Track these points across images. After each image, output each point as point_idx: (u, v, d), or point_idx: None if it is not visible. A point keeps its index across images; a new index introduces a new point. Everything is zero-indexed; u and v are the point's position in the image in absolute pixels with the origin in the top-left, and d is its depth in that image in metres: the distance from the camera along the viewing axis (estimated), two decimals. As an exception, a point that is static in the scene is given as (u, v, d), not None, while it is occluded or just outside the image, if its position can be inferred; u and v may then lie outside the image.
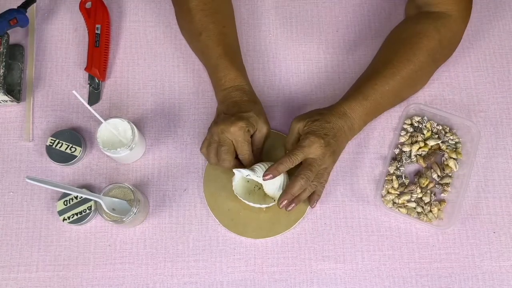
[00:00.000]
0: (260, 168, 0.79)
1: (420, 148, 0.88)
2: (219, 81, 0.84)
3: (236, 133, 0.78)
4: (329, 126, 0.79)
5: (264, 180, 0.77)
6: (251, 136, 0.81)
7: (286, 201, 0.78)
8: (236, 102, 0.82)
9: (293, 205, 0.79)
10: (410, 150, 0.88)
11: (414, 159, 0.88)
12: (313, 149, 0.77)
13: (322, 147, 0.77)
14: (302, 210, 0.85)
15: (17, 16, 0.88)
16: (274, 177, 0.77)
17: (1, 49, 0.88)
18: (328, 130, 0.79)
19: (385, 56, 0.86)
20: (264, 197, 0.83)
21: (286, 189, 0.78)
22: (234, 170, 0.79)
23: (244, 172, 0.79)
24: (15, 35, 0.95)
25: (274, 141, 0.88)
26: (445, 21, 0.84)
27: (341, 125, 0.80)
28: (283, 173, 0.79)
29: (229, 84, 0.83)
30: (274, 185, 0.80)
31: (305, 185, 0.77)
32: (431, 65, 0.87)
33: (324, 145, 0.77)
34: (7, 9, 0.89)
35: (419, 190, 0.86)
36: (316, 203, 0.82)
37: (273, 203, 0.81)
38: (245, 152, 0.80)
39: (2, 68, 0.87)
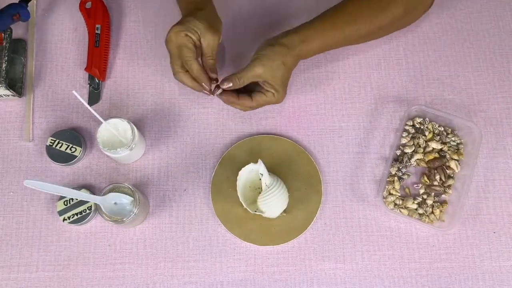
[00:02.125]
0: (272, 177, 0.80)
1: (422, 155, 0.88)
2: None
3: (172, 40, 0.77)
4: (286, 71, 0.81)
5: (222, 87, 0.80)
6: (201, 47, 0.80)
7: (226, 83, 0.79)
8: (183, 10, 0.82)
9: (221, 90, 0.81)
10: (412, 154, 0.88)
11: (414, 163, 0.88)
12: (274, 100, 0.81)
13: (282, 98, 0.82)
14: (310, 217, 0.85)
15: (20, 11, 0.88)
16: (223, 98, 0.81)
17: (4, 43, 0.88)
18: (287, 74, 0.82)
19: (351, 9, 0.84)
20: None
21: (238, 99, 0.81)
22: (252, 164, 0.80)
23: (261, 168, 0.79)
24: (17, 29, 0.95)
25: (272, 145, 0.87)
26: None
27: (295, 63, 0.83)
28: (284, 195, 0.80)
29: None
30: (270, 207, 0.80)
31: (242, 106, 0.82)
32: (388, 30, 0.89)
33: (282, 95, 0.82)
34: (8, 3, 0.88)
35: (422, 191, 0.86)
36: (225, 86, 0.80)
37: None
38: (186, 59, 0.78)
39: (5, 63, 0.87)
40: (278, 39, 0.81)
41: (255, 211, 0.80)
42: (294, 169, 0.87)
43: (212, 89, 0.82)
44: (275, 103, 0.84)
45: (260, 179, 0.80)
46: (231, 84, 0.79)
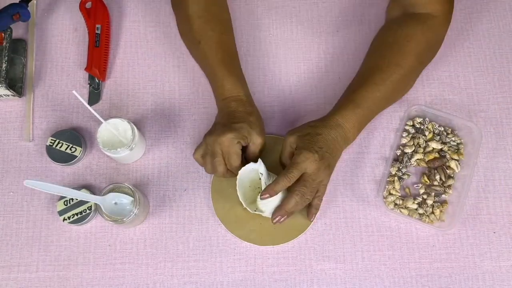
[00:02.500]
0: (271, 177, 0.79)
1: (422, 155, 0.88)
2: (218, 90, 0.84)
3: (225, 144, 0.78)
4: (321, 139, 0.78)
5: (261, 199, 0.76)
6: (246, 147, 0.81)
7: (279, 217, 0.77)
8: (231, 113, 0.81)
9: (285, 217, 0.78)
10: (412, 154, 0.88)
11: (414, 163, 0.88)
12: (308, 164, 0.76)
13: (316, 162, 0.76)
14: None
15: (20, 11, 0.88)
16: (271, 196, 0.76)
17: (4, 43, 0.88)
18: (322, 143, 0.77)
19: (374, 62, 0.85)
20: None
21: (281, 205, 0.77)
22: (252, 164, 0.79)
23: (261, 168, 0.78)
24: (18, 29, 0.95)
25: (273, 145, 0.87)
26: (431, 23, 0.84)
27: (334, 136, 0.79)
28: (283, 195, 0.79)
29: (227, 94, 0.83)
30: (270, 207, 0.79)
31: (300, 201, 0.76)
32: (419, 68, 0.87)
33: (318, 159, 0.76)
34: (9, 3, 0.88)
35: (422, 191, 0.86)
36: (314, 217, 0.81)
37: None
38: (233, 164, 0.79)
39: (5, 63, 0.87)
40: (329, 124, 0.80)
41: (255, 211, 0.80)
42: None
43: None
44: (307, 166, 0.76)
45: (260, 179, 0.80)
46: (268, 196, 0.76)
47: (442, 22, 0.86)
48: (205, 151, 0.81)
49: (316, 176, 0.77)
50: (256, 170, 0.81)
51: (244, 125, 0.79)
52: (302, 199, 0.77)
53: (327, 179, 0.80)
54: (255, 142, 0.80)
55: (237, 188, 0.81)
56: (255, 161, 0.80)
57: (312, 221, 0.82)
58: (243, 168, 0.81)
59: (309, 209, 0.81)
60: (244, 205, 0.80)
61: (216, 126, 0.82)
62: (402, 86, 0.86)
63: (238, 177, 0.81)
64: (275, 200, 0.79)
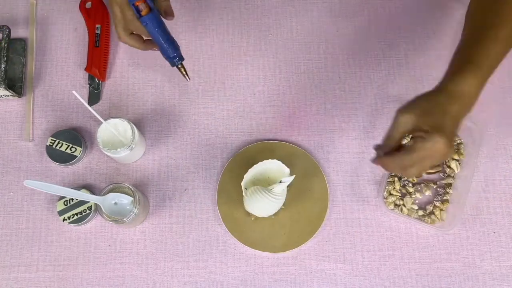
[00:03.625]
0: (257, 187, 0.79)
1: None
2: None
3: (112, 1, 0.74)
4: (450, 119, 0.66)
5: (373, 162, 0.69)
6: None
7: (377, 161, 0.69)
8: None
9: (379, 164, 0.69)
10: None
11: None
12: (436, 151, 0.64)
13: (446, 148, 0.64)
14: (317, 224, 0.85)
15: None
16: (379, 164, 0.69)
17: (2, 43, 0.88)
18: (451, 123, 0.66)
19: (482, 19, 0.74)
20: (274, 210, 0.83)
21: (386, 159, 0.68)
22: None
23: (288, 179, 0.77)
24: (17, 29, 0.95)
25: (274, 150, 0.87)
26: None
27: (461, 109, 0.67)
28: (267, 197, 0.78)
29: None
30: (255, 204, 0.80)
31: (400, 170, 0.67)
32: None
33: (449, 144, 0.64)
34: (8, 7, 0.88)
35: (423, 187, 0.87)
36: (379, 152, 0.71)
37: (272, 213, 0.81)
38: (131, 18, 0.75)
39: (4, 63, 0.87)
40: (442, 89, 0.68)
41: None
42: (308, 188, 0.87)
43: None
44: (433, 151, 0.65)
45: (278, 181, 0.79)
46: (381, 151, 0.69)
47: None
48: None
49: (440, 159, 0.66)
50: (270, 168, 0.81)
51: None
52: (418, 175, 0.69)
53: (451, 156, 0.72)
54: None
55: (244, 175, 0.80)
56: (167, 6, 0.77)
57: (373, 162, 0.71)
58: (260, 163, 0.80)
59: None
60: (244, 194, 0.80)
61: None
62: (510, 39, 0.73)
63: (243, 180, 0.80)
64: (260, 200, 0.79)
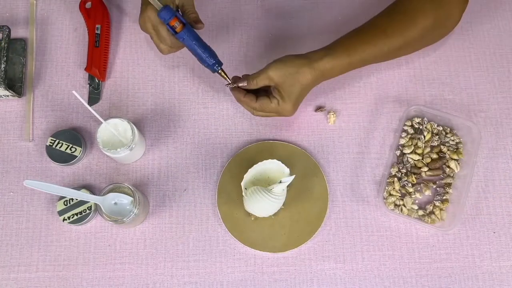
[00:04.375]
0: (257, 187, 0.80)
1: (421, 156, 0.88)
2: None
3: (147, 19, 0.78)
4: (305, 90, 0.81)
5: (230, 88, 0.83)
6: (183, 12, 0.80)
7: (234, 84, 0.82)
8: None
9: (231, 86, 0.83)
10: (411, 155, 0.88)
11: (414, 164, 0.88)
12: (281, 111, 0.81)
13: (291, 111, 0.81)
14: (317, 224, 0.85)
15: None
16: (234, 92, 0.83)
17: (2, 43, 0.88)
18: (303, 93, 0.81)
19: (380, 24, 0.84)
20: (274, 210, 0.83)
21: (249, 98, 0.82)
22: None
23: (288, 179, 0.78)
24: (17, 29, 0.95)
25: (273, 150, 0.87)
26: (444, 3, 0.83)
27: (313, 81, 0.80)
28: (267, 199, 0.78)
29: None
30: (254, 204, 0.79)
31: (245, 106, 0.83)
32: (420, 43, 0.87)
33: (293, 109, 0.82)
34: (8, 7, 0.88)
35: (422, 187, 0.87)
36: (240, 84, 0.82)
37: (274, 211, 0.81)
38: (165, 36, 0.79)
39: (3, 63, 0.87)
40: (304, 54, 0.81)
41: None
42: (308, 188, 0.87)
43: (229, 84, 0.84)
44: (279, 113, 0.83)
45: (278, 181, 0.79)
46: (245, 84, 0.81)
47: (458, 4, 0.84)
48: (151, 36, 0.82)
49: (278, 115, 0.84)
50: (270, 168, 0.81)
51: None
52: (253, 114, 0.84)
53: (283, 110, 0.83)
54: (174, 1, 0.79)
55: (244, 175, 0.80)
56: (196, 18, 0.80)
57: (226, 85, 0.84)
58: (260, 163, 0.81)
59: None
60: (244, 194, 0.80)
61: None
62: (397, 54, 0.86)
63: (243, 180, 0.80)
64: (260, 200, 0.79)
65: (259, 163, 0.80)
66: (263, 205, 0.79)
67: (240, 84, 0.82)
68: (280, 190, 0.78)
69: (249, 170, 0.80)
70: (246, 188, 0.81)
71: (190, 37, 0.79)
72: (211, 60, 0.81)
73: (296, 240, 0.84)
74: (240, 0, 0.98)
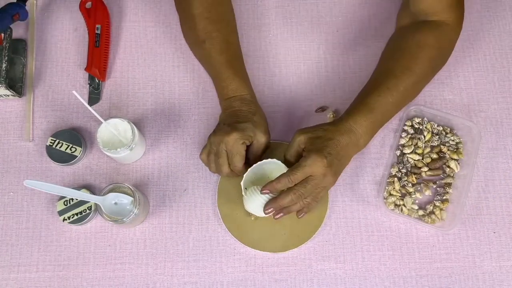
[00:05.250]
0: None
1: (421, 156, 0.88)
2: (222, 90, 0.84)
3: (230, 144, 0.78)
4: (332, 144, 0.76)
5: (261, 193, 0.77)
6: (250, 146, 0.81)
7: (272, 209, 0.77)
8: (235, 112, 0.82)
9: (281, 214, 0.78)
10: (411, 155, 0.88)
11: (414, 164, 0.88)
12: (315, 169, 0.74)
13: (324, 167, 0.74)
14: (317, 225, 0.85)
15: (19, 10, 0.88)
16: (271, 193, 0.77)
17: (4, 43, 0.88)
18: (332, 148, 0.75)
19: (387, 67, 0.85)
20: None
21: (276, 198, 0.76)
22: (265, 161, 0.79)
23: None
24: (18, 29, 0.95)
25: (273, 150, 0.87)
26: (443, 30, 0.84)
27: (345, 142, 0.77)
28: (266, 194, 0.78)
29: (231, 94, 0.83)
30: (254, 203, 0.79)
31: (296, 200, 0.76)
32: (430, 74, 0.86)
33: (327, 165, 0.74)
34: (7, 3, 0.88)
35: (422, 186, 0.87)
36: (303, 215, 0.80)
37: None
38: (235, 165, 0.80)
39: (5, 63, 0.87)
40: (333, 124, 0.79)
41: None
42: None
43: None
44: (314, 170, 0.75)
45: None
46: (267, 191, 0.77)
47: (454, 28, 0.85)
48: (210, 151, 0.81)
49: (321, 182, 0.75)
50: (262, 169, 0.81)
51: (249, 125, 0.79)
52: (299, 199, 0.76)
53: (331, 186, 0.78)
54: (259, 141, 0.80)
55: (244, 174, 0.80)
56: (257, 161, 0.80)
57: (299, 217, 0.80)
58: (259, 162, 0.81)
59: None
60: (243, 193, 0.80)
61: (220, 126, 0.82)
62: (414, 91, 0.85)
63: (243, 179, 0.80)
64: (259, 200, 0.79)
65: (259, 162, 0.80)
66: (262, 204, 0.79)
67: (279, 183, 0.76)
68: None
69: (249, 169, 0.80)
70: (246, 188, 0.81)
71: None
72: None
73: (296, 240, 0.84)
74: (240, 0, 0.98)
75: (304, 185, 0.75)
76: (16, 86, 0.92)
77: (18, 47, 0.93)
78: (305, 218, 0.82)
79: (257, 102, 0.85)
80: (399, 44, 0.86)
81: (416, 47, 0.83)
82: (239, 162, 0.79)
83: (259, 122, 0.81)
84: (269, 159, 0.80)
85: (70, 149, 0.87)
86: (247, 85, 0.84)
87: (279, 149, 0.88)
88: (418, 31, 0.84)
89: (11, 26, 0.89)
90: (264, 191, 0.76)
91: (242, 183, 0.80)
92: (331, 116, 0.90)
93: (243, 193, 0.80)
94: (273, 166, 0.81)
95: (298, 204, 0.77)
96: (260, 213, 0.82)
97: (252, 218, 0.85)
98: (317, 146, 0.75)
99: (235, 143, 0.78)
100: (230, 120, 0.81)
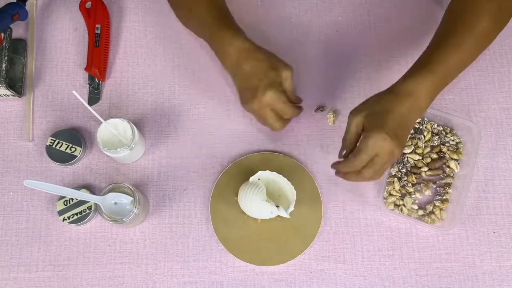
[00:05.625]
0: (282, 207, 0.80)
1: (421, 156, 0.88)
2: (220, 43, 0.82)
3: (271, 104, 0.78)
4: (393, 117, 0.70)
5: (336, 174, 0.76)
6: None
7: (341, 174, 0.75)
8: (251, 72, 0.80)
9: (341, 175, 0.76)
10: (411, 154, 0.88)
11: (414, 164, 0.88)
12: (379, 149, 0.69)
13: (389, 145, 0.69)
14: (309, 240, 0.85)
15: (19, 10, 0.88)
16: (339, 175, 0.76)
17: (4, 43, 0.88)
18: (393, 121, 0.70)
19: (448, 26, 0.79)
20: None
21: (350, 174, 0.74)
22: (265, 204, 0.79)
23: (274, 210, 0.79)
24: (18, 29, 0.95)
25: (268, 160, 0.88)
26: None
27: (406, 109, 0.71)
28: (268, 203, 0.79)
29: (232, 44, 0.80)
30: (248, 208, 0.80)
31: (371, 177, 0.73)
32: (494, 31, 0.81)
33: (391, 142, 0.69)
34: (7, 3, 0.88)
35: (422, 186, 0.87)
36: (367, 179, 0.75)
37: (271, 216, 0.81)
38: (288, 112, 0.80)
39: (5, 63, 0.87)
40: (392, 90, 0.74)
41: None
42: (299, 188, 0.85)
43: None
44: (380, 152, 0.71)
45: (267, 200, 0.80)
46: (343, 153, 0.76)
47: None
48: (258, 120, 0.82)
49: (389, 159, 0.71)
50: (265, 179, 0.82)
51: (272, 72, 0.78)
52: (369, 180, 0.74)
53: (399, 156, 0.74)
54: (286, 78, 0.80)
55: (239, 198, 0.81)
56: (293, 92, 0.81)
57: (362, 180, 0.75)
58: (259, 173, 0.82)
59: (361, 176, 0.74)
60: (240, 204, 0.81)
61: (246, 94, 0.80)
62: (477, 49, 0.80)
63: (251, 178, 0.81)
64: (256, 204, 0.79)
65: (281, 176, 0.81)
66: (256, 205, 0.79)
67: (346, 168, 0.74)
68: (273, 210, 0.79)
69: (267, 171, 0.81)
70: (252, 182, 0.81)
71: None
72: None
73: (292, 252, 0.84)
74: (240, 0, 0.98)
75: (372, 168, 0.72)
76: (16, 86, 0.92)
77: (18, 47, 0.93)
78: (301, 226, 0.83)
79: (256, 44, 0.82)
80: (458, 2, 0.81)
81: (477, 3, 0.78)
82: (289, 109, 0.80)
83: (274, 63, 0.80)
84: (288, 181, 0.81)
85: (70, 149, 0.87)
86: (242, 33, 0.83)
87: (274, 161, 0.88)
88: None
89: (11, 26, 0.89)
90: (336, 169, 0.75)
91: (254, 177, 0.81)
92: (331, 116, 0.90)
93: (239, 196, 0.81)
94: (287, 188, 0.82)
95: (362, 176, 0.74)
96: (259, 215, 0.82)
97: (259, 221, 0.85)
98: (376, 124, 0.70)
99: (276, 98, 0.78)
100: (252, 83, 0.79)
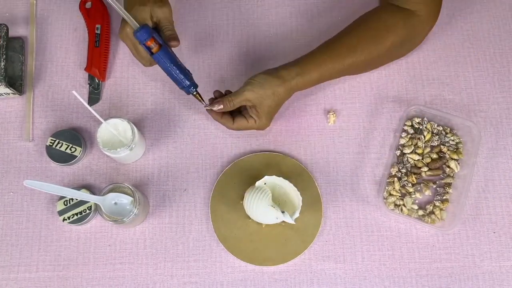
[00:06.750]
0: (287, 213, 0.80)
1: (421, 156, 0.88)
2: None
3: (127, 38, 0.78)
4: (275, 99, 0.82)
5: (212, 108, 0.82)
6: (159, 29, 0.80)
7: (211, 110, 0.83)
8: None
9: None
10: (411, 155, 0.88)
11: (414, 164, 0.88)
12: (256, 126, 0.83)
13: (264, 124, 0.84)
14: (308, 240, 0.85)
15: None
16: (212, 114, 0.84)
17: (1, 42, 0.88)
18: (275, 102, 0.82)
19: (350, 39, 0.85)
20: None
21: (225, 119, 0.84)
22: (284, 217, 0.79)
23: (279, 215, 0.78)
24: (17, 28, 0.95)
25: (268, 160, 0.88)
26: (414, 20, 0.84)
27: (284, 92, 0.82)
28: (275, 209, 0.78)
29: None
30: (266, 217, 0.80)
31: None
32: (387, 58, 0.89)
33: (267, 122, 0.84)
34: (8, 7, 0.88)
35: (422, 186, 0.87)
36: (215, 108, 0.82)
37: (276, 221, 0.80)
38: (141, 54, 0.80)
39: (3, 61, 0.87)
40: (276, 70, 0.83)
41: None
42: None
43: (207, 104, 0.84)
44: (256, 129, 0.85)
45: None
46: (221, 107, 0.82)
47: (425, 21, 0.86)
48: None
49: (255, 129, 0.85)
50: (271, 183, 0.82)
51: (138, 7, 0.78)
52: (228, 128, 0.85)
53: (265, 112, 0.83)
54: (156, 14, 0.79)
55: (244, 202, 0.81)
56: (171, 35, 0.80)
57: (204, 107, 0.84)
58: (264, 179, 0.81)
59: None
60: (244, 207, 0.81)
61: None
62: (364, 69, 0.90)
63: (257, 183, 0.81)
64: (261, 209, 0.79)
65: (287, 181, 0.80)
66: (261, 210, 0.79)
67: (216, 108, 0.82)
68: (279, 215, 0.78)
69: (273, 176, 0.80)
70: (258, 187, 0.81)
71: (165, 59, 0.79)
72: (186, 83, 0.82)
73: (292, 252, 0.84)
74: (240, 0, 0.98)
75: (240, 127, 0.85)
76: (16, 84, 0.92)
77: (16, 45, 0.93)
78: (301, 228, 0.83)
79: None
80: (369, 23, 0.86)
81: (384, 31, 0.84)
82: (142, 51, 0.80)
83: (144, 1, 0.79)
84: (295, 189, 0.80)
85: (70, 149, 0.87)
86: None
87: (281, 162, 0.88)
88: (392, 15, 0.85)
89: (9, 26, 0.89)
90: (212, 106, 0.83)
91: (260, 181, 0.80)
92: (332, 116, 0.90)
93: (244, 201, 0.80)
94: (294, 196, 0.81)
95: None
96: (264, 220, 0.82)
97: (263, 226, 0.85)
98: (266, 110, 0.82)
99: (125, 35, 0.78)
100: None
